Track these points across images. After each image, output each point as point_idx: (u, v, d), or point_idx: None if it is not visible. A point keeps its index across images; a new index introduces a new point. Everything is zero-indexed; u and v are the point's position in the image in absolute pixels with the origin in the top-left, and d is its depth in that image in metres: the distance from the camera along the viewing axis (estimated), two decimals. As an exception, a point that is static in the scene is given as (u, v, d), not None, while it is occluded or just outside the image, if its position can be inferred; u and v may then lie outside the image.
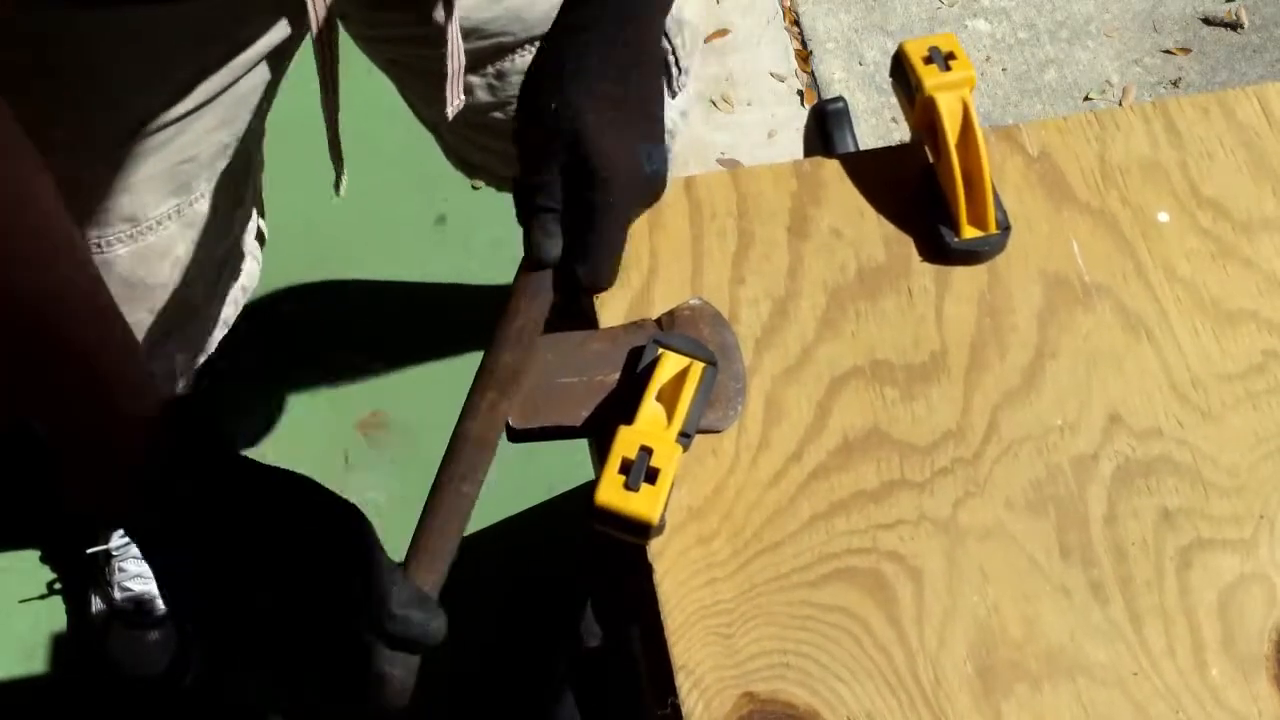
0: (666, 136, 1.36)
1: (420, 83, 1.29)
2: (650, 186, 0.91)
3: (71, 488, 0.71)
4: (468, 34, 1.16)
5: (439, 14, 1.11)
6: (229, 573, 0.71)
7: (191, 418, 0.72)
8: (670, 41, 1.27)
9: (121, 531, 1.70)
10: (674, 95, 1.33)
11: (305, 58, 1.13)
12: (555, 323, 0.89)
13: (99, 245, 1.15)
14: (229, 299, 1.36)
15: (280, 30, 1.08)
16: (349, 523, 0.72)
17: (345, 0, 1.13)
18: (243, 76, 1.10)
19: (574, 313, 0.91)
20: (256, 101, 1.15)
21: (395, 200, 2.05)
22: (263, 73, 1.12)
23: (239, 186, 1.25)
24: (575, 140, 0.85)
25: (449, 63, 1.15)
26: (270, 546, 0.71)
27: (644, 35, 0.90)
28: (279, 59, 1.13)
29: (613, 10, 0.88)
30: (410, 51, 1.23)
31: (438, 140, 1.44)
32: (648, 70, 0.90)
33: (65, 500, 0.71)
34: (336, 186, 1.25)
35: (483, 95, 1.25)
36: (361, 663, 0.71)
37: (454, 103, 1.18)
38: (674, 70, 1.31)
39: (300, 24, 1.09)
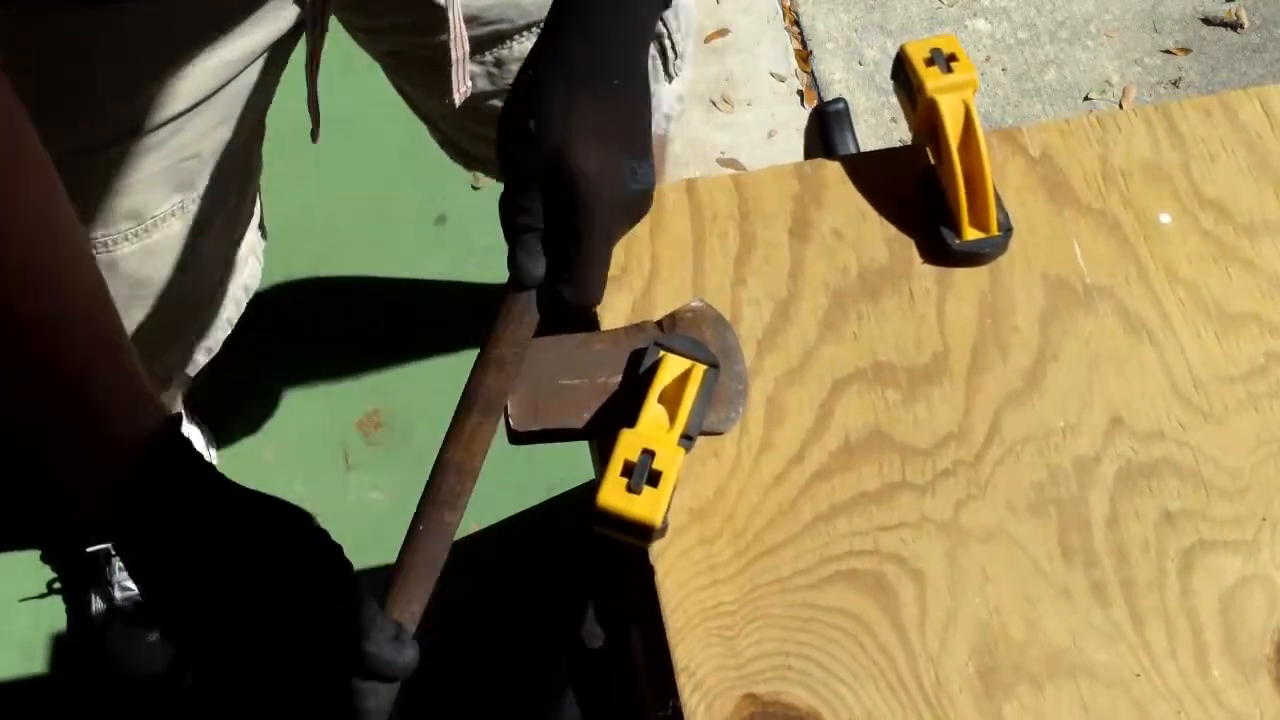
0: (665, 121, 1.35)
1: (419, 73, 1.28)
2: (635, 204, 0.89)
3: (55, 503, 0.72)
4: (467, 21, 1.14)
5: None
6: (209, 602, 0.73)
7: (180, 443, 0.73)
8: (665, 25, 1.25)
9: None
10: (670, 79, 1.31)
11: (302, 59, 1.12)
12: (557, 326, 0.89)
13: (105, 244, 1.15)
14: (232, 298, 1.36)
15: (274, 23, 1.08)
16: (333, 562, 0.74)
17: None
18: (241, 72, 1.09)
19: (570, 319, 0.91)
20: (256, 97, 1.15)
21: (395, 200, 2.05)
22: (260, 68, 1.12)
23: (242, 184, 1.25)
24: (556, 160, 0.84)
25: (453, 48, 1.13)
26: (252, 580, 0.73)
27: (629, 42, 0.88)
28: (276, 53, 1.12)
29: (596, 18, 0.86)
30: (410, 41, 1.22)
31: (433, 132, 1.43)
32: (634, 80, 0.88)
33: (48, 514, 0.72)
34: (313, 135, 1.22)
35: (482, 83, 1.24)
36: (340, 694, 0.74)
37: (460, 89, 1.17)
38: (670, 54, 1.28)
39: (296, 15, 1.08)
